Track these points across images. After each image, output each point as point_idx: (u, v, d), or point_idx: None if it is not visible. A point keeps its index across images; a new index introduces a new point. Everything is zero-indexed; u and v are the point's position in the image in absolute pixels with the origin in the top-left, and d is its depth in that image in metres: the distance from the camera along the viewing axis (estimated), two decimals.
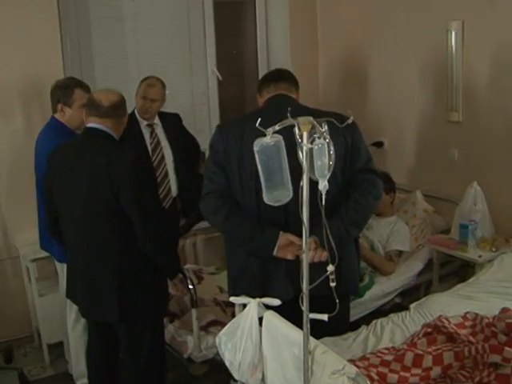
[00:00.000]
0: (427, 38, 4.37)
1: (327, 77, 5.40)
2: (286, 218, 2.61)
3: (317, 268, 2.25)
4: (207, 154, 5.11)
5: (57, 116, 3.40)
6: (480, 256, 3.77)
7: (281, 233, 2.58)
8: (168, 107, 4.19)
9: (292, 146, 1.87)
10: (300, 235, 2.16)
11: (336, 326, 2.72)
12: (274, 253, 2.59)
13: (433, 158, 4.54)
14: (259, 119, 1.89)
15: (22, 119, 4.12)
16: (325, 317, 1.96)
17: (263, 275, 2.71)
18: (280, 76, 2.92)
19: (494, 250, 3.81)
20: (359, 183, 2.72)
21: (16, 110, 4.11)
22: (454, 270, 4.25)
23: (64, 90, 3.35)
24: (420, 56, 4.47)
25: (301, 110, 2.56)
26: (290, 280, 2.63)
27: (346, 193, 2.70)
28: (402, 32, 4.56)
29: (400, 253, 4.12)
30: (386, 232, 4.13)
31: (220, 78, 5.13)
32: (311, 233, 2.42)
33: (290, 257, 2.58)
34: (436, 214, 4.48)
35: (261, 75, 5.38)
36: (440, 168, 4.48)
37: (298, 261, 2.50)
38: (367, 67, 4.97)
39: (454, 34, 4.12)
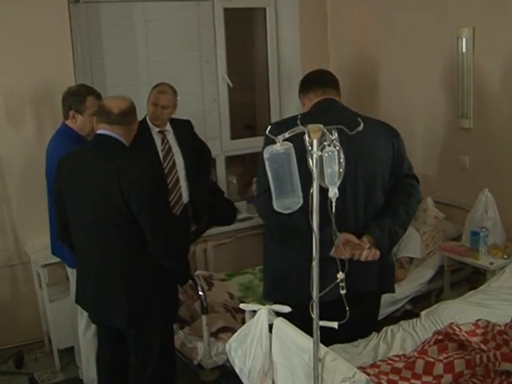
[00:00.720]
0: (438, 45, 4.35)
1: None
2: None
3: (363, 266, 2.57)
4: (218, 159, 5.17)
5: (68, 123, 3.42)
6: (491, 263, 3.75)
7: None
8: (179, 113, 4.19)
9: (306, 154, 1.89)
10: (355, 234, 2.50)
11: (370, 322, 3.06)
12: (332, 252, 2.59)
13: (444, 164, 4.52)
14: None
15: (34, 126, 4.14)
16: (335, 324, 1.95)
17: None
18: (328, 81, 2.98)
19: (505, 257, 3.79)
20: (405, 187, 2.88)
21: (27, 116, 4.13)
22: (465, 277, 4.22)
23: (76, 97, 3.37)
24: (431, 63, 4.45)
25: (350, 116, 2.76)
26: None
27: (390, 195, 2.84)
28: (413, 39, 4.55)
29: (411, 260, 4.11)
30: None
31: (230, 85, 5.13)
32: (366, 232, 2.67)
33: (346, 255, 2.58)
34: (447, 220, 4.46)
35: (271, 81, 5.40)
36: (451, 175, 4.46)
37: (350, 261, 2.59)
38: (378, 74, 4.96)
39: (464, 40, 4.11)
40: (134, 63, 4.74)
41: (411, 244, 4.09)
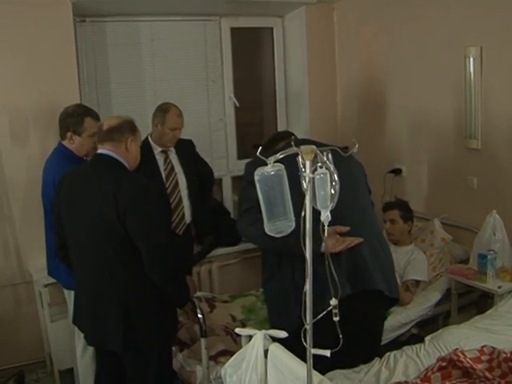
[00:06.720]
0: (445, 65, 4.30)
1: (345, 103, 5.36)
2: None
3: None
4: (224, 179, 5.13)
5: (65, 143, 3.39)
6: (499, 287, 3.66)
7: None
8: (185, 133, 4.16)
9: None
10: None
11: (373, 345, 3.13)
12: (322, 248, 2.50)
13: (451, 185, 4.44)
14: None
15: (38, 145, 4.12)
16: (327, 352, 1.88)
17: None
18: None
19: None
20: None
21: (32, 135, 4.12)
22: (473, 301, 4.13)
23: (74, 119, 3.33)
24: (438, 83, 4.40)
25: None
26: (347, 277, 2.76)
27: None
28: (420, 58, 4.51)
29: (417, 283, 4.03)
30: (404, 261, 4.05)
31: (237, 104, 5.12)
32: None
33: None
34: (455, 242, 4.37)
35: (278, 101, 5.40)
36: (459, 196, 4.38)
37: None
38: (385, 94, 4.91)
39: (472, 60, 4.04)
40: (140, 82, 4.73)
41: (418, 266, 4.01)
